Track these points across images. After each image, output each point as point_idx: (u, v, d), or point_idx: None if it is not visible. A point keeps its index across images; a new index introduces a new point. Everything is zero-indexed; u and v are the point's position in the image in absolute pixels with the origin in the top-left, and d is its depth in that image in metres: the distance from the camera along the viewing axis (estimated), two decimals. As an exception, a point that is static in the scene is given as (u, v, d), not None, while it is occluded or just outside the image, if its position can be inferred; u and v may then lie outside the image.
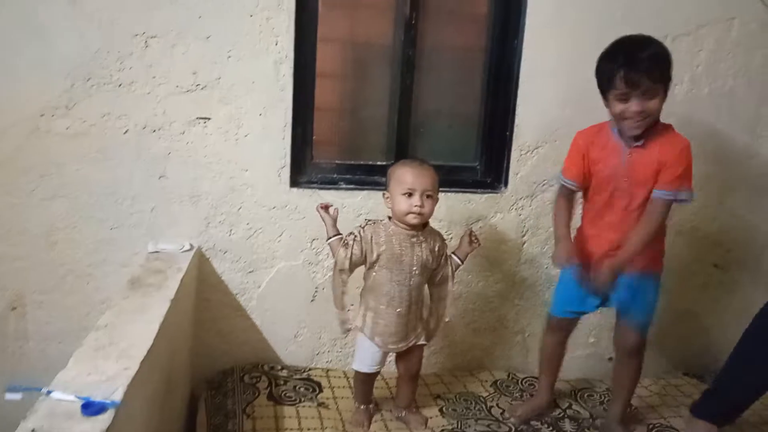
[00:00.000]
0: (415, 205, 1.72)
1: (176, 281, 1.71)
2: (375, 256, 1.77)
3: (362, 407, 1.90)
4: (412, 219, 1.74)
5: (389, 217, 1.81)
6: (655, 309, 1.92)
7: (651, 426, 2.00)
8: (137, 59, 1.91)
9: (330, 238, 1.82)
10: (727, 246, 2.48)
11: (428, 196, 1.74)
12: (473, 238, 1.90)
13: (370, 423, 1.90)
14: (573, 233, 1.91)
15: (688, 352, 2.54)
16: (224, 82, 1.97)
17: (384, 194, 1.81)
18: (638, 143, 1.75)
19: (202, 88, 1.97)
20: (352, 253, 1.76)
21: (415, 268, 1.79)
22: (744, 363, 1.81)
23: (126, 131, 1.96)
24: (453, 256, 1.89)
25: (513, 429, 1.93)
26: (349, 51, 2.23)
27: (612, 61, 1.71)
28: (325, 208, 1.84)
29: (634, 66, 1.66)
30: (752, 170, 2.40)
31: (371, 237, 1.77)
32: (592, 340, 2.45)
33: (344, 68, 2.24)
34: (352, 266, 1.78)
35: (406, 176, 1.74)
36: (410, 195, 1.72)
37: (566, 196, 1.89)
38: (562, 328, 2.03)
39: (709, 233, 2.45)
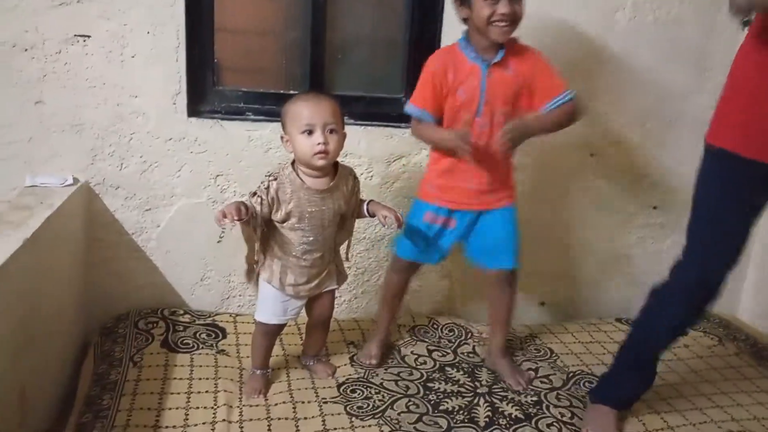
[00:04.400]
0: (318, 143, 1.50)
1: (41, 219, 1.52)
2: (283, 214, 1.57)
3: (258, 372, 1.72)
4: (318, 160, 1.52)
5: (292, 163, 1.60)
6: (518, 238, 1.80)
7: (570, 373, 1.90)
8: (0, -35, 1.67)
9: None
10: (665, 187, 2.35)
11: (331, 131, 1.52)
12: (393, 219, 1.60)
13: (267, 389, 1.70)
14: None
15: (621, 297, 2.44)
16: (104, -6, 1.74)
17: (282, 137, 1.58)
18: (497, 59, 1.63)
19: (78, 1, 1.73)
20: (260, 218, 1.55)
21: (326, 222, 1.61)
22: (634, 355, 1.66)
23: (-8, 50, 1.73)
24: (364, 205, 1.69)
25: (424, 376, 1.82)
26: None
27: None
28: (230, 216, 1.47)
29: None
30: (696, 108, 2.23)
31: (277, 193, 1.56)
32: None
33: (251, -17, 2.00)
34: (264, 227, 1.60)
35: (303, 111, 1.51)
36: (310, 132, 1.51)
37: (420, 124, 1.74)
38: (407, 269, 1.88)
39: (649, 173, 2.31)
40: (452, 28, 1.96)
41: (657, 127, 2.24)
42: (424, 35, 2.05)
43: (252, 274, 1.71)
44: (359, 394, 1.70)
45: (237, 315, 2.08)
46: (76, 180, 1.84)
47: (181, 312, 2.02)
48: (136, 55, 1.81)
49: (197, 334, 1.91)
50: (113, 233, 1.96)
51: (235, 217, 1.45)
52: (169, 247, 2.03)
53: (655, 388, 1.72)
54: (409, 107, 1.72)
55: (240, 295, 2.14)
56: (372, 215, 1.68)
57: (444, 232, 1.79)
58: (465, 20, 1.66)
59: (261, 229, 1.59)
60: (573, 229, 2.33)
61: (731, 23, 2.09)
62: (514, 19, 1.59)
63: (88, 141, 1.85)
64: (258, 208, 1.56)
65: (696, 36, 2.19)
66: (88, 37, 1.76)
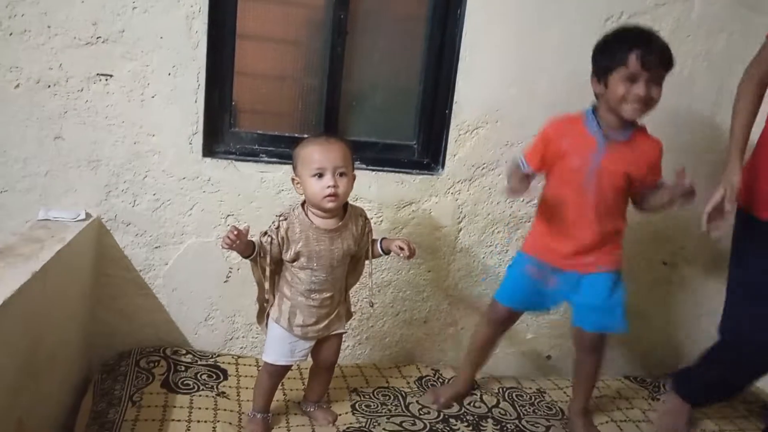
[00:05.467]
0: (328, 186, 1.52)
1: (51, 252, 1.52)
2: (293, 254, 1.58)
3: (258, 416, 1.69)
4: (328, 203, 1.54)
5: (302, 204, 1.62)
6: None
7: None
8: (30, 5, 1.72)
9: (248, 257, 1.59)
10: (679, 243, 2.33)
11: (341, 174, 1.55)
12: (407, 249, 1.64)
13: None
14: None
15: (628, 354, 2.40)
16: (128, 36, 1.79)
17: (293, 179, 1.61)
18: (621, 138, 1.67)
19: (103, 42, 1.78)
20: (270, 258, 1.58)
21: (336, 261, 1.62)
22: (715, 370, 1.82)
23: (17, 85, 1.77)
24: (378, 243, 1.72)
25: (428, 427, 1.78)
26: (276, 11, 2.04)
27: (626, 41, 1.62)
28: (232, 242, 1.51)
29: (651, 47, 1.60)
30: (709, 163, 2.24)
31: (287, 233, 1.58)
32: (530, 336, 2.31)
33: (271, 30, 2.05)
34: (275, 267, 1.62)
35: (314, 155, 1.54)
36: (321, 176, 1.53)
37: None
38: (504, 319, 1.89)
39: (659, 229, 2.30)
40: (467, 76, 2.01)
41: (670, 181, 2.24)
42: (438, 84, 2.08)
43: (263, 315, 1.70)
44: (360, 443, 1.67)
45: (239, 357, 2.05)
46: (88, 215, 1.85)
47: (184, 351, 2.00)
48: (156, 95, 1.84)
49: (198, 375, 1.89)
50: (121, 269, 1.96)
51: (230, 237, 1.48)
52: (175, 286, 2.02)
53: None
54: (521, 162, 1.71)
55: (243, 337, 2.12)
56: (387, 252, 1.69)
57: (546, 287, 1.81)
58: (597, 95, 1.70)
59: (270, 269, 1.60)
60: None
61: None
62: (648, 102, 1.61)
63: (104, 177, 1.87)
64: (268, 247, 1.57)
65: (709, 93, 2.21)
66: (111, 76, 1.80)
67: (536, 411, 1.97)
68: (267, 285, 1.62)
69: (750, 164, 1.75)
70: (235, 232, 1.49)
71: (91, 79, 1.80)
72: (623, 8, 2.06)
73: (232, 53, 1.93)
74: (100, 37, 1.77)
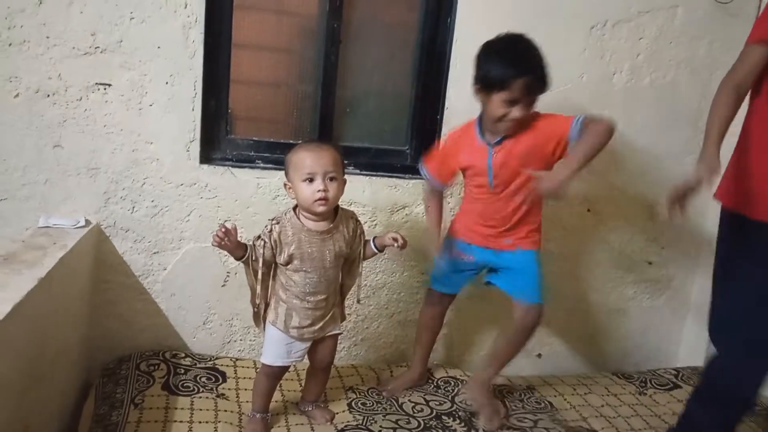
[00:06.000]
0: (319, 190, 1.57)
1: (54, 259, 1.56)
2: (286, 256, 1.63)
3: (258, 416, 1.73)
4: (319, 207, 1.59)
5: (294, 208, 1.67)
6: (542, 284, 1.86)
7: (570, 428, 1.91)
8: (29, 17, 1.75)
9: (240, 258, 1.64)
10: (661, 244, 2.40)
11: (332, 179, 1.59)
12: (399, 241, 1.71)
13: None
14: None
15: (617, 351, 2.47)
16: (126, 46, 1.82)
17: (285, 184, 1.66)
18: (497, 140, 1.76)
19: (101, 52, 1.81)
20: (263, 261, 1.63)
21: (328, 263, 1.67)
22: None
23: (17, 95, 1.80)
24: (371, 242, 1.77)
25: (422, 425, 1.83)
26: (270, 20, 2.08)
27: (513, 65, 1.65)
28: (221, 240, 1.57)
29: (536, 74, 1.64)
30: (692, 167, 2.30)
31: (279, 236, 1.63)
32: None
33: (266, 38, 2.09)
34: (267, 270, 1.67)
35: (305, 160, 1.59)
36: (311, 180, 1.58)
37: (431, 192, 1.96)
38: (438, 302, 2.04)
39: (645, 230, 2.37)
40: (457, 83, 2.07)
41: (653, 185, 2.31)
42: (430, 91, 2.14)
43: (258, 318, 1.74)
44: (358, 441, 1.71)
45: (237, 359, 2.09)
46: (87, 222, 1.89)
47: (183, 355, 2.04)
48: (154, 103, 1.88)
49: (198, 378, 1.93)
50: (120, 275, 1.99)
51: (218, 235, 1.54)
52: (174, 290, 2.06)
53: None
54: (423, 170, 1.89)
55: (241, 340, 2.16)
56: (381, 249, 1.75)
57: (466, 264, 1.94)
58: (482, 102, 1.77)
59: (262, 272, 1.64)
60: (569, 283, 2.36)
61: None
62: (522, 121, 1.69)
63: (102, 184, 1.91)
64: (261, 251, 1.62)
65: (691, 99, 2.28)
66: (109, 85, 1.84)
67: (525, 406, 2.02)
68: (259, 289, 1.66)
69: (737, 162, 1.71)
70: (223, 230, 1.54)
71: (90, 88, 1.83)
72: (607, 17, 2.13)
73: (228, 62, 1.98)
74: (98, 47, 1.80)
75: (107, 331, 2.02)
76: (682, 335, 2.55)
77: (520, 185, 1.77)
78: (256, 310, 1.73)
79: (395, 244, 1.71)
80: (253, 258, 1.63)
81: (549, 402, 2.06)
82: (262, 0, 2.03)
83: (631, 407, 2.10)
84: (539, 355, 2.43)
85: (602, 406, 2.09)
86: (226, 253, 1.68)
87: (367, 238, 1.77)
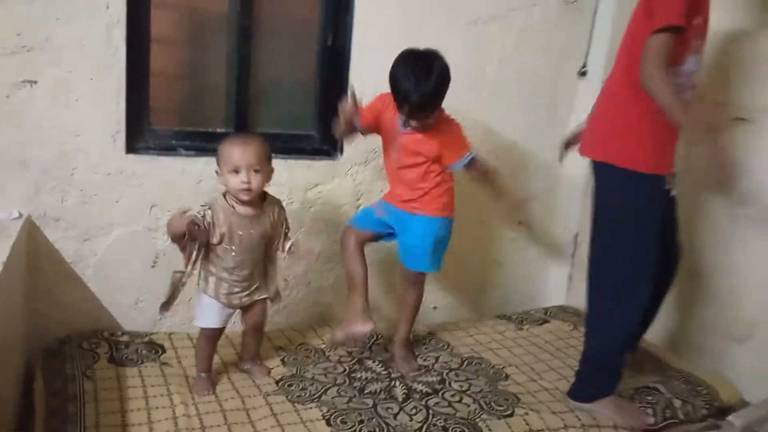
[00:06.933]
0: (242, 182, 1.80)
1: (6, 249, 1.67)
2: (218, 236, 1.85)
3: (203, 375, 1.95)
4: (243, 195, 1.82)
5: (225, 194, 1.88)
6: (434, 250, 2.15)
7: (464, 358, 2.31)
8: (-50, 17, 1.81)
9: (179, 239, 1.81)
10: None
11: (255, 171, 1.81)
12: (290, 250, 1.98)
13: (215, 389, 1.94)
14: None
15: (499, 297, 2.93)
16: (51, 45, 1.93)
17: (216, 171, 1.87)
18: (409, 130, 2.03)
19: (27, 51, 1.90)
20: (198, 242, 1.83)
21: (255, 242, 1.91)
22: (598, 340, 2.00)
23: (-59, 93, 1.85)
24: (288, 243, 2.00)
25: (347, 370, 2.14)
26: (185, 17, 2.25)
27: (403, 92, 1.94)
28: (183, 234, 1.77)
29: (420, 104, 1.94)
30: (549, 143, 2.77)
31: (212, 219, 1.84)
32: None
33: (181, 35, 2.27)
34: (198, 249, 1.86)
35: (232, 154, 1.80)
36: (237, 172, 1.80)
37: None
38: (350, 236, 2.18)
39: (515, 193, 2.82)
40: (357, 74, 2.36)
41: (521, 154, 2.76)
42: (333, 80, 2.41)
43: (166, 306, 1.92)
44: (296, 386, 1.99)
45: (171, 333, 2.27)
46: (20, 214, 1.97)
47: (120, 333, 2.19)
48: (80, 98, 2.00)
49: (139, 351, 2.10)
50: (52, 262, 2.10)
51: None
52: (105, 274, 2.19)
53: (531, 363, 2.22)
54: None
55: (171, 316, 2.31)
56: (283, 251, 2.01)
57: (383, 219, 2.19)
58: None
59: (195, 250, 1.84)
60: (458, 241, 2.76)
61: (572, 73, 2.70)
62: (425, 125, 2.01)
63: (32, 176, 2.00)
64: (196, 232, 1.81)
65: (548, 83, 2.74)
66: (35, 82, 1.93)
67: (427, 347, 2.39)
68: (189, 268, 1.86)
69: (603, 119, 1.93)
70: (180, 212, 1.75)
71: (17, 85, 1.92)
72: (481, 14, 2.51)
73: (148, 57, 2.13)
74: (24, 46, 1.89)
75: (43, 316, 2.12)
76: (548, 280, 3.05)
77: (417, 166, 2.07)
78: (178, 287, 1.91)
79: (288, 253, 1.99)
80: (191, 238, 1.82)
81: (447, 342, 2.46)
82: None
83: (513, 340, 2.54)
84: (435, 308, 2.81)
85: (490, 341, 2.51)
86: (155, 235, 1.87)
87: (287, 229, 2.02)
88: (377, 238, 2.23)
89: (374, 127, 2.10)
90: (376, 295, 2.51)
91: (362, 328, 2.07)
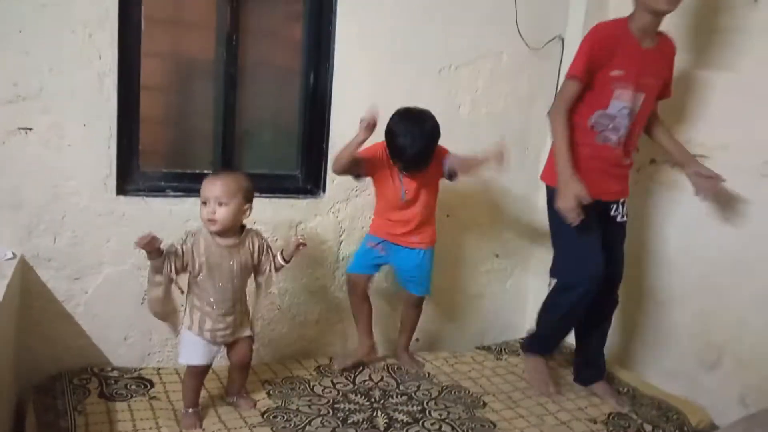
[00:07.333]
0: (208, 211, 1.90)
1: (1, 289, 1.75)
2: (197, 266, 1.93)
3: (191, 410, 2.00)
4: (210, 226, 1.92)
5: None
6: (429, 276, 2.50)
7: (444, 387, 2.39)
8: (-48, 69, 1.91)
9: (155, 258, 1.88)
10: (503, 239, 3.00)
11: (220, 204, 1.89)
12: (300, 240, 2.11)
13: (201, 422, 2.00)
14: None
15: (477, 329, 3.02)
16: (46, 94, 2.03)
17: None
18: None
19: (23, 100, 2.01)
20: (174, 267, 1.90)
21: (235, 273, 1.99)
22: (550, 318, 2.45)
23: (-59, 140, 1.94)
24: (278, 256, 2.11)
25: (331, 401, 2.21)
26: (173, 65, 2.38)
27: (398, 150, 2.20)
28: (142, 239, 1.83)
29: (412, 161, 2.22)
30: (521, 179, 2.92)
31: (192, 246, 1.93)
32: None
33: (170, 81, 2.39)
34: (175, 275, 1.93)
35: (203, 187, 1.92)
36: (205, 204, 1.91)
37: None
38: (361, 283, 2.46)
39: (490, 229, 2.95)
40: (338, 117, 2.49)
41: (494, 192, 2.90)
42: (315, 124, 2.54)
43: (175, 329, 2.03)
44: (281, 418, 2.06)
45: (159, 369, 2.33)
46: (14, 254, 2.05)
47: (109, 368, 2.24)
48: (72, 144, 2.10)
49: (128, 386, 2.15)
50: (44, 301, 2.16)
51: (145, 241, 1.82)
52: (96, 312, 2.26)
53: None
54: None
55: (159, 352, 2.40)
56: (289, 259, 2.12)
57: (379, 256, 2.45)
58: None
59: (172, 275, 1.90)
60: (438, 275, 2.87)
61: (541, 115, 2.86)
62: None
63: (25, 218, 2.08)
64: (173, 256, 1.89)
65: (517, 123, 2.90)
66: (30, 129, 2.03)
67: (408, 375, 2.48)
68: (161, 293, 1.91)
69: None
70: (149, 234, 1.84)
71: (12, 132, 2.02)
72: (452, 61, 2.67)
73: (138, 104, 2.24)
74: (20, 95, 2.00)
75: (34, 354, 2.17)
76: (526, 312, 3.15)
77: (427, 197, 2.37)
78: (174, 324, 2.00)
79: (300, 248, 2.10)
80: (168, 260, 1.89)
81: (427, 372, 2.54)
82: (166, 48, 2.32)
83: (492, 370, 2.64)
84: (417, 339, 2.90)
85: (469, 371, 2.60)
86: (143, 273, 1.95)
87: (274, 253, 2.11)
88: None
89: (371, 169, 2.32)
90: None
91: (371, 356, 2.50)
